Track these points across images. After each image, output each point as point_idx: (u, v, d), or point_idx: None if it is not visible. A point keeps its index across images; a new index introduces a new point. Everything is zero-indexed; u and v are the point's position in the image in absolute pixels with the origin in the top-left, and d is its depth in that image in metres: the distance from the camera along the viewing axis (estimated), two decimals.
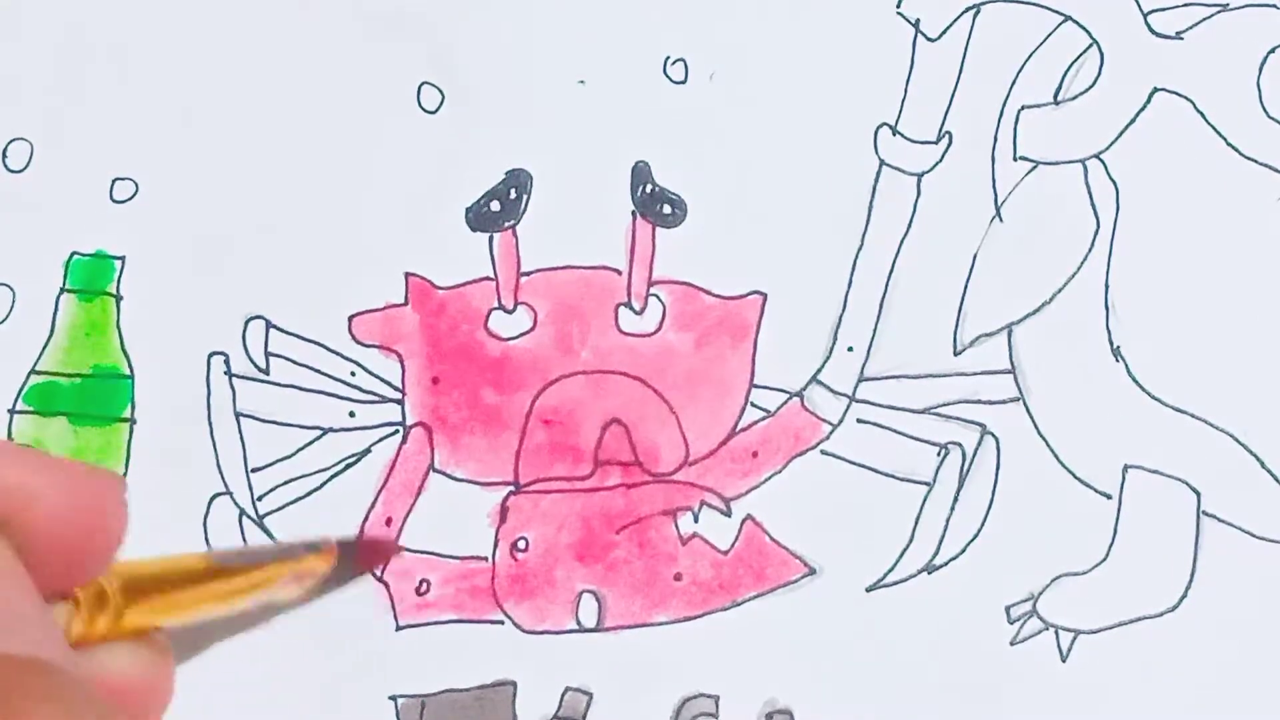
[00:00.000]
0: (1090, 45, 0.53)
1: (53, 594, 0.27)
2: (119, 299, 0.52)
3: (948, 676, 0.51)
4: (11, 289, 0.52)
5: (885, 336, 0.52)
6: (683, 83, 0.53)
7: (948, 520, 0.52)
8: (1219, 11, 0.53)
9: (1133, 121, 0.53)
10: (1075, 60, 0.53)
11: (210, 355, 0.52)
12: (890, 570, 0.52)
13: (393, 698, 0.51)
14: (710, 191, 0.53)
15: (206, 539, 0.52)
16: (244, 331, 0.52)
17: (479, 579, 0.52)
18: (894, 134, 0.53)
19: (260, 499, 0.52)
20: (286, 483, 0.52)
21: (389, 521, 0.52)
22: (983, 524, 0.52)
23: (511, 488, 0.52)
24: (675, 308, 0.53)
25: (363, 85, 0.53)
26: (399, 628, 0.51)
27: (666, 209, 0.53)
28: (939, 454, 0.52)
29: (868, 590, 0.52)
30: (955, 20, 0.53)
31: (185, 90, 0.53)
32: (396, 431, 0.52)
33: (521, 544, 0.52)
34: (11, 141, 0.53)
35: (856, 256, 0.53)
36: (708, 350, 0.53)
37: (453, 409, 0.52)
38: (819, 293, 0.53)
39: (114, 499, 0.28)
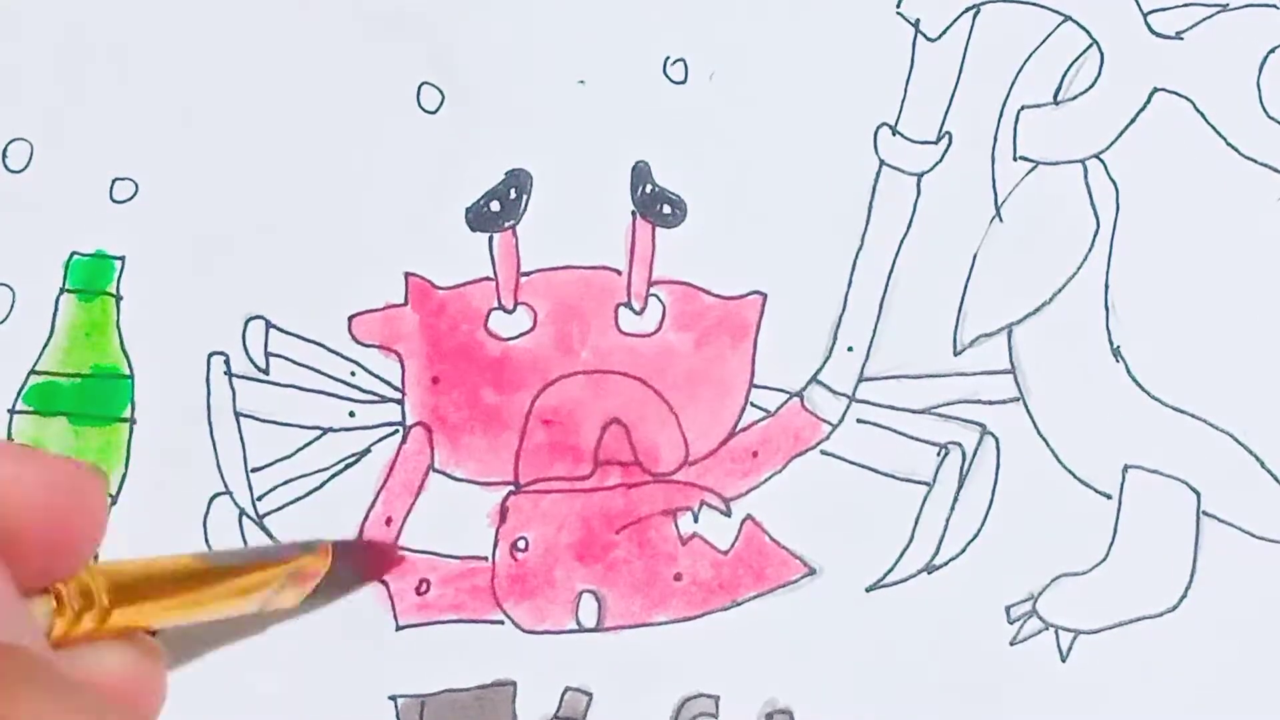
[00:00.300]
0: (1090, 45, 0.53)
1: (32, 589, 0.27)
2: (119, 299, 0.52)
3: (948, 676, 0.51)
4: (11, 289, 0.52)
5: (885, 336, 0.52)
6: (683, 83, 0.53)
7: (948, 520, 0.52)
8: (1219, 11, 0.53)
9: (1133, 121, 0.53)
10: (1075, 60, 0.53)
11: (210, 355, 0.52)
12: (890, 570, 0.52)
13: (392, 698, 0.51)
14: (710, 191, 0.53)
15: (206, 539, 0.51)
16: (244, 331, 0.52)
17: (479, 579, 0.52)
18: (894, 134, 0.53)
19: (260, 499, 0.52)
20: (286, 482, 0.52)
21: (389, 521, 0.52)
22: (983, 524, 0.52)
23: (511, 487, 0.52)
24: (675, 308, 0.53)
25: (363, 85, 0.53)
26: (398, 627, 0.51)
27: (666, 209, 0.53)
28: (939, 454, 0.52)
29: (868, 590, 0.52)
30: (955, 20, 0.53)
31: (185, 90, 0.53)
32: (396, 431, 0.52)
33: (521, 544, 0.52)
34: (11, 141, 0.53)
35: (856, 256, 0.53)
36: (707, 350, 0.53)
37: (453, 409, 0.52)
38: (819, 293, 0.53)
39: (93, 492, 0.27)
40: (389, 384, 0.52)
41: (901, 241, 0.53)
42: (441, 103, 0.53)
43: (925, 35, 0.53)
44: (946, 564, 0.52)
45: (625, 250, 0.53)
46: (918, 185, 0.53)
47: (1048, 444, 0.52)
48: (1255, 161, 0.53)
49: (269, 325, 0.52)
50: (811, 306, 0.53)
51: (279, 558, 0.33)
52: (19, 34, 0.53)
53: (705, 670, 0.51)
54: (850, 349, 0.52)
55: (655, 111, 0.53)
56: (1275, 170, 0.53)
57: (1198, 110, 0.53)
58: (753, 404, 0.53)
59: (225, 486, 0.52)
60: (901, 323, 0.52)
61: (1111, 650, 0.51)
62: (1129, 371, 0.52)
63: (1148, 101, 0.53)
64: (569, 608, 0.52)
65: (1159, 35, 0.53)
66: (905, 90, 0.53)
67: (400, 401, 0.52)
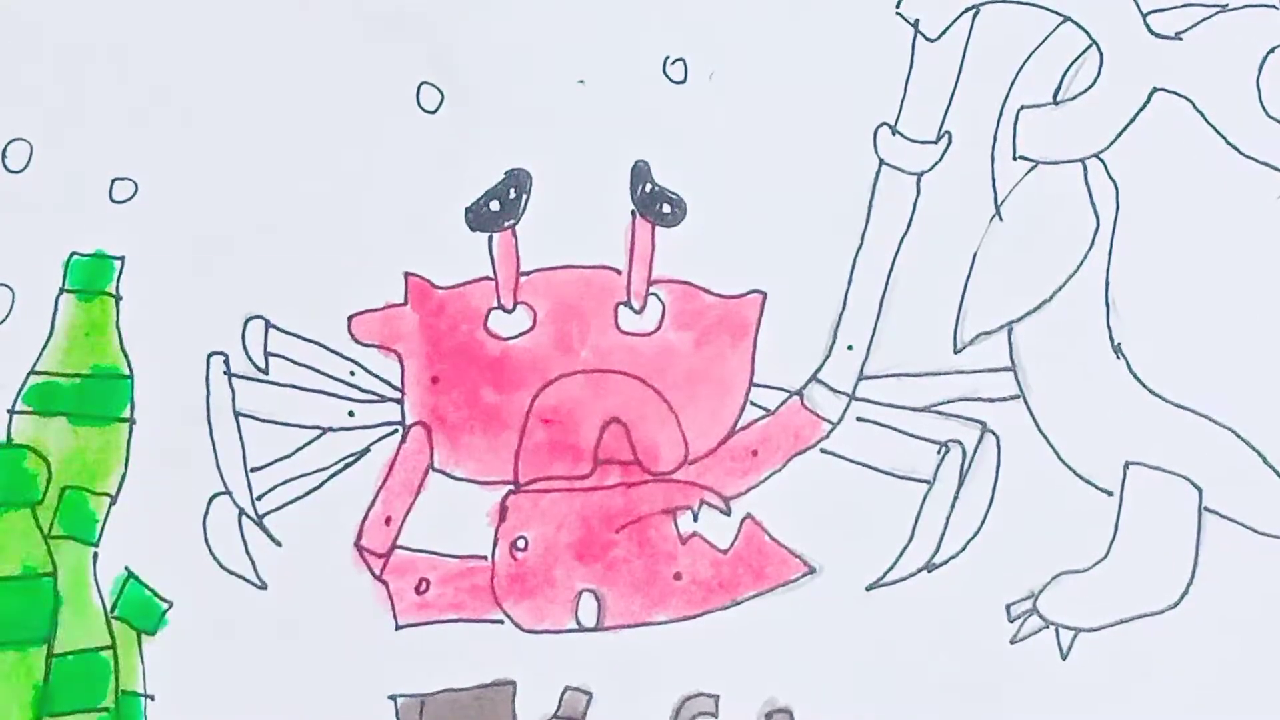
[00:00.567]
0: (1090, 45, 0.53)
1: None
2: (118, 299, 0.52)
3: (948, 675, 0.51)
4: (11, 289, 0.52)
5: (885, 335, 0.52)
6: (682, 83, 0.53)
7: (948, 518, 0.52)
8: (1218, 12, 0.54)
9: (1132, 121, 0.53)
10: (1075, 60, 0.53)
11: (210, 355, 0.52)
12: (890, 569, 0.52)
13: (392, 697, 0.51)
14: (710, 191, 0.53)
15: (206, 539, 0.51)
16: (244, 331, 0.52)
17: (478, 578, 0.52)
18: (894, 134, 0.53)
19: (260, 498, 0.52)
20: (286, 482, 0.52)
21: (388, 520, 0.52)
22: (983, 522, 0.52)
23: (511, 487, 0.52)
24: (675, 307, 0.53)
25: (363, 85, 0.53)
26: (398, 627, 0.51)
27: (666, 208, 0.53)
28: (939, 452, 0.52)
29: (868, 589, 0.52)
30: (955, 20, 0.53)
31: (185, 90, 0.53)
32: (396, 431, 0.52)
33: (521, 543, 0.52)
34: (11, 141, 0.53)
35: (856, 255, 0.53)
36: (707, 349, 0.53)
37: (452, 408, 0.52)
38: (819, 291, 0.53)
39: None
40: (388, 383, 0.52)
41: (901, 240, 0.53)
42: (441, 103, 0.53)
43: (925, 35, 0.53)
44: (947, 562, 0.52)
45: (625, 249, 0.53)
46: (917, 185, 0.53)
47: (1048, 441, 0.52)
48: (1255, 160, 0.53)
49: (269, 325, 0.52)
50: (811, 305, 0.53)
51: None
52: (19, 34, 0.53)
53: (705, 669, 0.51)
54: (850, 347, 0.52)
55: (655, 111, 0.53)
56: (1275, 169, 0.53)
57: (1197, 110, 0.53)
58: (752, 403, 0.52)
59: (225, 486, 0.52)
60: (901, 321, 0.52)
61: (1113, 648, 0.51)
62: (1130, 368, 0.52)
63: (1147, 101, 0.53)
64: (568, 607, 0.51)
65: (1158, 35, 0.53)
66: (905, 90, 0.53)
67: (400, 401, 0.52)
